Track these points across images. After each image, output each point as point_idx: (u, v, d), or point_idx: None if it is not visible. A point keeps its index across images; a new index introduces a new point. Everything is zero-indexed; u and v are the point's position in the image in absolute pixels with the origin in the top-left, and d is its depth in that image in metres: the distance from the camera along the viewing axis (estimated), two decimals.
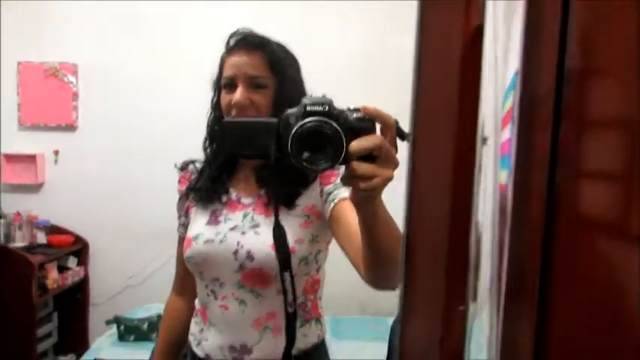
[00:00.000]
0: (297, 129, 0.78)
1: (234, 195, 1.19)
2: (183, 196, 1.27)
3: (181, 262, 1.27)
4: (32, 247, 3.00)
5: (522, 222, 0.41)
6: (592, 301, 0.42)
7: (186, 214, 1.26)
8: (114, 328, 2.64)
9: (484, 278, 0.43)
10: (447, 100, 0.37)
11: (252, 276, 1.10)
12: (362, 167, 0.79)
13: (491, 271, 0.41)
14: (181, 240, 1.27)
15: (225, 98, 1.11)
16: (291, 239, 1.11)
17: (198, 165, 1.26)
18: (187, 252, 1.16)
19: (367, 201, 0.88)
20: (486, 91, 0.36)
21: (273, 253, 1.09)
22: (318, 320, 1.25)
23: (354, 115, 0.81)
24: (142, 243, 3.19)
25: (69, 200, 3.22)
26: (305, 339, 1.21)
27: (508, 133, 0.34)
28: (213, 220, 1.18)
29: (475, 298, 0.45)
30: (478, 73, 0.36)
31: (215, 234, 1.15)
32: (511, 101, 0.34)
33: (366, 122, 0.80)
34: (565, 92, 0.30)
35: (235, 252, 1.11)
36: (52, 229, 3.15)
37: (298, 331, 1.18)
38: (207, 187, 1.20)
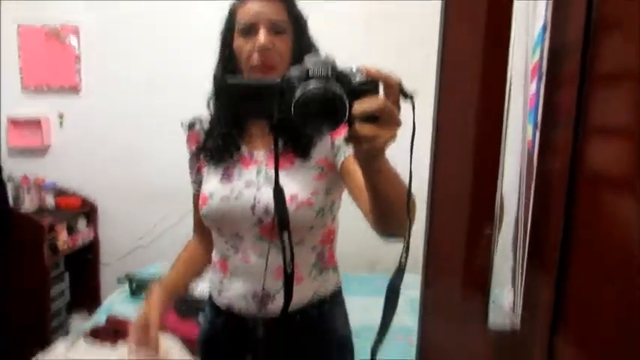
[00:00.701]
0: (299, 95, 0.78)
1: (245, 151, 1.21)
2: (194, 156, 1.28)
3: (197, 214, 1.30)
4: (41, 210, 3.04)
5: (546, 177, 0.43)
6: (611, 255, 0.44)
7: (199, 172, 1.28)
8: (125, 286, 2.70)
9: (506, 231, 0.45)
10: (473, 53, 0.38)
11: (271, 229, 1.12)
12: (364, 129, 0.80)
13: (516, 224, 0.43)
14: (196, 196, 1.29)
15: (244, 45, 1.11)
16: (306, 192, 1.13)
17: (205, 122, 1.26)
18: (203, 210, 1.19)
19: (371, 160, 0.89)
20: (515, 44, 0.38)
21: (291, 207, 1.11)
22: (335, 269, 1.29)
23: (357, 76, 0.82)
24: (150, 204, 3.23)
25: (75, 163, 3.24)
26: (323, 287, 1.25)
27: (534, 88, 0.35)
28: (227, 178, 1.19)
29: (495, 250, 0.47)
30: (507, 26, 0.37)
31: (230, 191, 1.17)
32: (537, 55, 0.35)
33: (368, 84, 0.80)
34: (591, 46, 0.31)
35: (253, 207, 1.14)
36: (60, 192, 3.18)
37: (316, 279, 1.23)
38: (217, 145, 1.21)
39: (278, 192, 1.11)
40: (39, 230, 2.79)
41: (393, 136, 0.82)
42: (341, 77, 0.80)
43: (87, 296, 3.20)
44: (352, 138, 0.83)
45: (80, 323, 2.75)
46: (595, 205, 0.42)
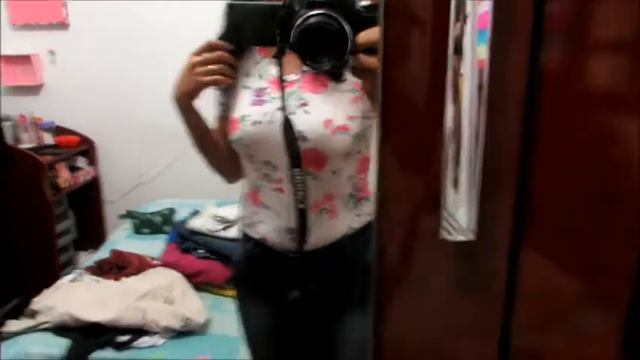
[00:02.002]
0: (300, 24, 0.74)
1: (276, 72, 1.10)
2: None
3: (219, 131, 1.21)
4: (40, 148, 3.04)
5: (502, 98, 0.41)
6: (576, 174, 0.43)
7: (225, 93, 1.19)
8: (128, 223, 2.75)
9: (464, 166, 0.44)
10: None
11: (305, 157, 1.07)
12: (369, 60, 0.76)
13: (470, 154, 0.41)
14: (221, 118, 1.21)
15: None
16: (342, 116, 1.07)
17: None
18: (235, 134, 1.12)
19: (377, 91, 0.87)
20: None
21: (327, 131, 1.06)
22: (368, 199, 1.25)
23: (363, 3, 0.77)
24: (149, 141, 3.21)
25: (71, 101, 3.20)
26: (359, 218, 1.22)
27: (487, 6, 0.33)
28: (258, 100, 1.11)
29: (457, 187, 0.46)
30: None
31: (262, 114, 1.09)
32: None
33: (375, 11, 0.76)
34: None
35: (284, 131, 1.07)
36: (58, 131, 3.17)
37: (352, 212, 1.20)
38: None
39: (287, 126, 1.06)
40: (39, 167, 2.81)
41: None
42: (345, 4, 0.75)
43: (92, 233, 3.26)
44: (356, 70, 0.80)
45: (87, 259, 2.83)
46: (556, 109, 0.41)
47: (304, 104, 1.08)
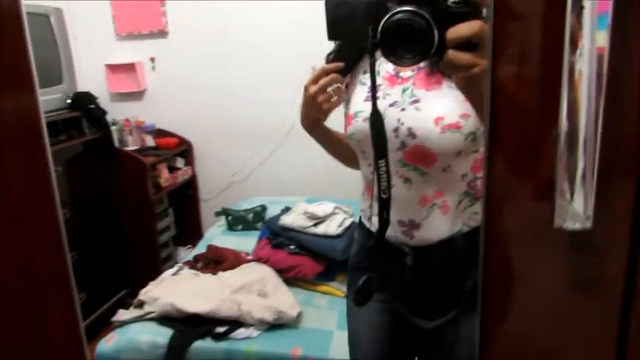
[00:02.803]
0: (386, 20, 0.75)
1: (391, 68, 1.14)
2: (341, 72, 1.19)
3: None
4: (143, 150, 3.25)
5: (621, 85, 0.39)
6: None
7: (346, 90, 1.23)
8: (223, 220, 2.87)
9: (581, 154, 0.43)
10: None
11: (414, 154, 1.09)
12: (459, 57, 0.75)
13: (588, 142, 0.40)
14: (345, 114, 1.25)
15: None
16: (455, 114, 1.05)
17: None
18: (349, 129, 1.16)
19: (470, 86, 0.85)
20: None
21: (436, 129, 1.05)
22: None
23: None
24: (242, 142, 3.34)
25: (170, 105, 3.40)
26: (476, 216, 1.20)
27: None
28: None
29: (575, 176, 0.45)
30: None
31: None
32: None
33: (467, 6, 0.75)
34: None
35: (396, 129, 1.09)
36: (158, 133, 3.38)
37: (467, 210, 1.18)
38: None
39: (375, 117, 1.04)
40: (143, 168, 3.00)
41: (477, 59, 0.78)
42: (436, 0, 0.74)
43: (190, 230, 3.45)
44: (446, 65, 0.79)
45: (185, 254, 2.99)
46: None
47: (416, 101, 1.08)
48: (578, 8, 0.35)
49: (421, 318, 1.29)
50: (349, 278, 1.41)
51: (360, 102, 1.14)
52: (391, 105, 1.09)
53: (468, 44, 0.74)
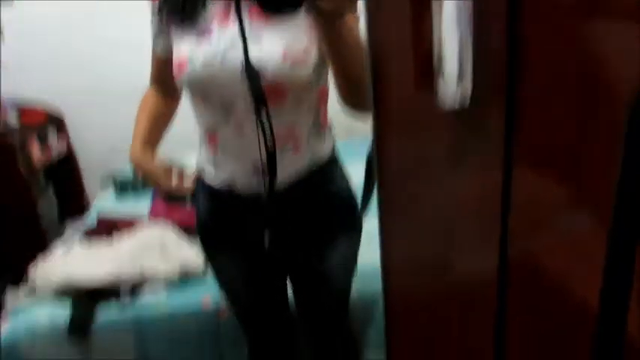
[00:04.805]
0: None
1: (221, 3, 1.06)
2: (158, 11, 1.14)
3: (156, 70, 1.25)
4: (6, 129, 2.95)
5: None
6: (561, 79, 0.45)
7: (167, 32, 1.13)
8: (111, 188, 2.72)
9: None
10: None
11: (265, 92, 1.03)
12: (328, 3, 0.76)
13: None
14: (160, 59, 1.21)
15: None
16: (300, 47, 1.02)
17: None
18: (183, 77, 1.07)
19: (330, 22, 0.85)
20: None
21: (286, 64, 1.01)
22: (330, 130, 1.25)
23: None
24: (116, 107, 3.13)
25: (29, 76, 3.08)
26: (322, 149, 1.21)
27: None
28: (205, 38, 1.05)
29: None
30: None
31: (212, 55, 1.04)
32: None
33: None
34: None
35: (242, 70, 1.02)
36: (22, 108, 3.07)
37: (315, 144, 1.18)
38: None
39: (249, 69, 1.00)
40: (10, 149, 2.74)
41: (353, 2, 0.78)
42: None
43: (76, 204, 3.23)
44: (310, 2, 0.79)
45: (74, 230, 2.81)
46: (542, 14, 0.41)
47: (257, 36, 1.02)
48: None
49: (290, 259, 1.32)
50: (202, 241, 1.36)
51: (192, 44, 1.06)
52: (230, 46, 1.03)
53: None
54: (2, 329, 1.74)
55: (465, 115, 0.62)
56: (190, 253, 1.94)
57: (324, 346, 1.54)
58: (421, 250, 0.75)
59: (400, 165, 0.72)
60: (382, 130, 0.69)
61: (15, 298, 1.83)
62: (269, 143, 1.05)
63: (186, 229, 2.11)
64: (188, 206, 2.18)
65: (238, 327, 1.68)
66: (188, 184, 1.24)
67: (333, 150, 1.25)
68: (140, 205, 2.40)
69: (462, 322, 0.78)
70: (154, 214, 2.22)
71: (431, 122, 0.66)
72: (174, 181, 1.23)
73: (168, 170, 1.24)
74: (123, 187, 2.63)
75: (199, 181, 1.26)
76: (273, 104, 1.05)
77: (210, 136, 1.16)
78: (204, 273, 1.90)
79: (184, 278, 1.87)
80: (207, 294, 1.78)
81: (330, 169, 1.24)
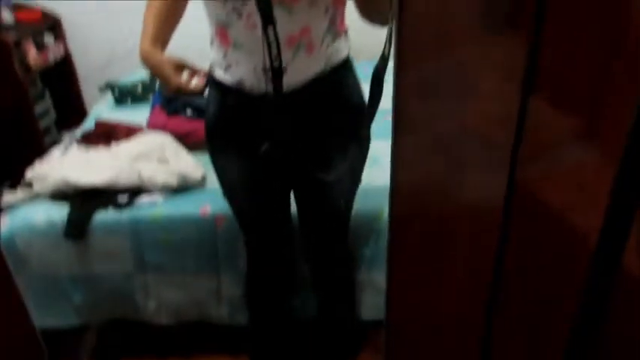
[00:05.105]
0: None
1: None
2: None
3: None
4: (1, 28, 2.85)
5: None
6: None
7: None
8: (109, 96, 2.66)
9: None
10: None
11: None
12: None
13: None
14: None
15: None
16: None
17: None
18: None
19: None
20: None
21: None
22: (346, 34, 1.22)
23: None
24: (120, 14, 3.02)
25: None
26: (337, 54, 1.19)
27: None
28: None
29: None
30: None
31: None
32: None
33: None
34: None
35: None
36: (17, 7, 2.95)
37: (330, 47, 1.16)
38: None
39: None
40: (4, 47, 2.65)
41: None
42: None
43: (73, 111, 3.18)
44: None
45: (71, 136, 2.77)
46: None
47: None
48: None
49: (295, 164, 1.30)
50: (210, 139, 1.34)
51: None
52: None
53: None
54: (1, 227, 1.74)
55: (491, 30, 0.59)
56: (189, 164, 1.92)
57: (323, 260, 1.56)
58: (431, 172, 0.75)
59: (418, 86, 0.70)
60: (403, 46, 0.67)
61: (12, 198, 1.82)
62: (278, 42, 1.02)
63: (185, 140, 2.09)
64: (187, 116, 2.15)
65: (235, 237, 1.70)
66: (199, 82, 1.18)
67: (349, 56, 1.23)
68: (139, 114, 2.36)
69: (464, 246, 0.78)
70: (152, 124, 2.18)
71: (454, 37, 0.64)
72: (185, 78, 1.17)
73: (179, 66, 1.19)
74: (122, 96, 2.57)
75: (211, 78, 1.24)
76: (287, 2, 1.02)
77: (222, 33, 1.14)
78: (203, 183, 1.90)
79: (183, 187, 1.85)
80: (207, 204, 1.77)
81: (344, 73, 1.22)
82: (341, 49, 1.20)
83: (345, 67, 1.22)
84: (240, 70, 1.15)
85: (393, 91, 0.72)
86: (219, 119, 1.28)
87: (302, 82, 1.16)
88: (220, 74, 1.20)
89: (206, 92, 1.24)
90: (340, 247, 1.52)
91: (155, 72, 1.20)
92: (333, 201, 1.36)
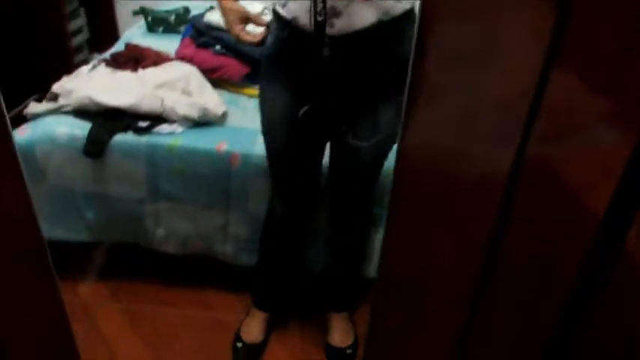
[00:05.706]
0: None
1: None
2: None
3: None
4: None
5: None
6: None
7: None
8: (142, 21, 2.65)
9: None
10: None
11: None
12: None
13: None
14: None
15: None
16: None
17: None
18: None
19: None
20: None
21: None
22: None
23: None
24: None
25: None
26: (399, 4, 1.16)
27: None
28: None
29: None
30: None
31: None
32: None
33: None
34: None
35: None
36: None
37: None
38: None
39: None
40: None
41: None
42: None
43: (105, 33, 3.17)
44: None
45: (101, 58, 2.78)
46: None
47: None
48: None
49: (336, 107, 1.30)
50: (264, 70, 1.38)
51: None
52: None
53: None
54: (22, 135, 1.78)
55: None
56: (213, 99, 1.93)
57: (344, 211, 1.57)
58: (441, 138, 0.75)
59: (439, 51, 0.69)
60: (429, 13, 0.67)
61: (36, 108, 1.85)
62: (320, 11, 1.07)
63: (209, 75, 2.08)
64: (216, 51, 2.13)
65: (248, 180, 1.72)
66: (257, 35, 1.30)
67: (410, 8, 1.18)
68: (169, 44, 2.35)
69: (464, 210, 0.79)
70: (180, 54, 2.17)
71: (478, 8, 0.63)
72: (245, 29, 1.30)
73: (242, 18, 1.30)
74: (154, 23, 2.56)
75: (273, 12, 1.28)
76: None
77: None
78: (223, 121, 1.90)
79: (203, 121, 1.86)
80: (223, 140, 1.78)
81: (402, 25, 1.19)
82: (401, 2, 1.17)
83: (406, 19, 1.19)
84: (297, 9, 1.17)
85: (414, 52, 0.72)
86: (274, 51, 1.31)
87: (356, 29, 1.14)
88: (279, 8, 1.23)
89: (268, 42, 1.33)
90: (363, 201, 1.54)
91: (224, 17, 1.33)
92: (366, 163, 1.38)
